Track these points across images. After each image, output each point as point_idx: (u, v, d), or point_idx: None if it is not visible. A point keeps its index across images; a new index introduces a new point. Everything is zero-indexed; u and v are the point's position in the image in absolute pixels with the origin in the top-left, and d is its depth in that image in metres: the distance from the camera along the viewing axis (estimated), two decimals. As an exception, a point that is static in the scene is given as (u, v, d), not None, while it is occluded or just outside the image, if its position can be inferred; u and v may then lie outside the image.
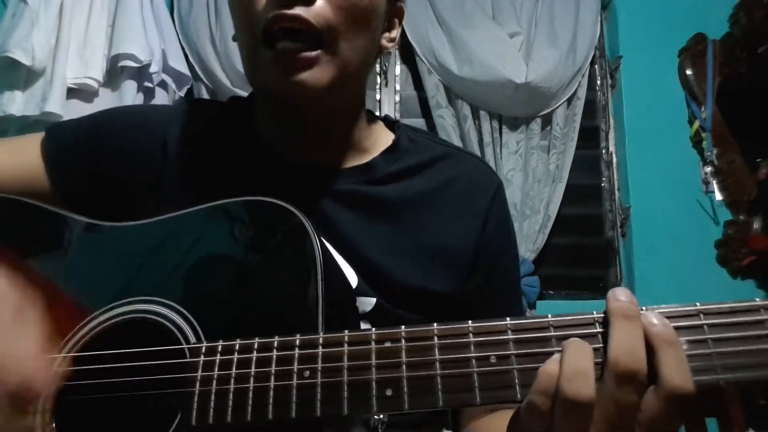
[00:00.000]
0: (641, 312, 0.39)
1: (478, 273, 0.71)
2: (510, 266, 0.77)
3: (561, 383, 0.37)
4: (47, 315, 0.55)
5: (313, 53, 0.58)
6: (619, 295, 0.39)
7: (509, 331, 0.41)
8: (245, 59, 0.64)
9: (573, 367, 0.37)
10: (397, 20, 0.72)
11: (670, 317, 0.39)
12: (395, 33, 0.72)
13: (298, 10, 0.57)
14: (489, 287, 0.72)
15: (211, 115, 0.75)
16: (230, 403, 0.44)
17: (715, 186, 2.30)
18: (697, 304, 0.39)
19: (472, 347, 0.41)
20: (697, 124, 2.30)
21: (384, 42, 0.70)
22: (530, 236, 2.24)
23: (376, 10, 0.64)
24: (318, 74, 0.59)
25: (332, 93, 0.62)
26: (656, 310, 0.40)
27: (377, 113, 0.79)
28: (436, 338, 0.42)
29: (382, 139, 0.75)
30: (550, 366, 0.38)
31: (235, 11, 0.63)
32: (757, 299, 0.38)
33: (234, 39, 0.66)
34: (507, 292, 0.76)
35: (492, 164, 2.26)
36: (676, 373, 0.36)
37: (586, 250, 2.43)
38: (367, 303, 0.64)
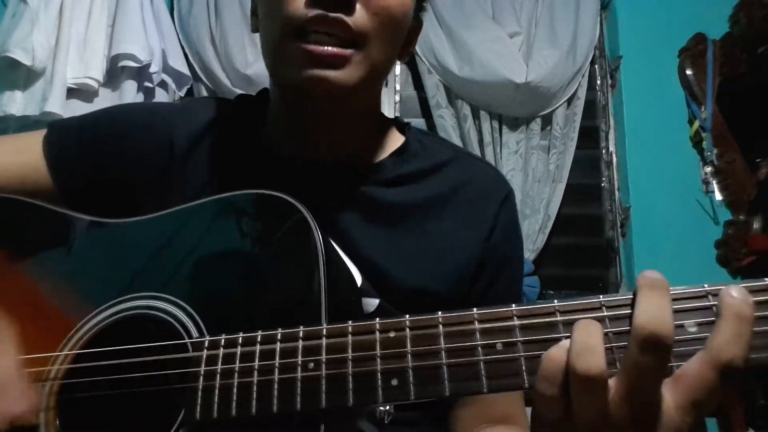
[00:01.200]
0: (725, 286, 0.37)
1: (483, 278, 0.71)
2: (515, 273, 0.76)
3: (571, 359, 0.36)
4: (49, 314, 0.55)
5: (347, 51, 0.58)
6: (648, 273, 0.38)
7: (515, 318, 0.40)
8: (270, 51, 0.63)
9: (582, 343, 0.36)
10: (415, 36, 0.72)
11: (678, 298, 0.38)
12: (412, 47, 0.73)
13: (339, 14, 0.57)
14: (492, 293, 0.71)
15: (218, 113, 0.75)
16: (234, 397, 0.44)
17: (715, 186, 2.30)
18: (705, 285, 0.38)
19: (477, 335, 0.41)
20: (697, 124, 2.30)
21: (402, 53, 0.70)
22: (530, 236, 2.24)
23: (408, 21, 0.65)
24: (348, 73, 0.59)
25: (356, 94, 0.62)
26: None
27: (393, 118, 0.79)
28: (441, 326, 0.42)
29: (391, 141, 0.74)
30: (554, 352, 0.38)
31: (268, 3, 0.61)
32: (767, 279, 0.37)
33: (254, 30, 0.66)
34: (510, 297, 0.75)
35: (492, 164, 2.26)
36: (732, 346, 0.35)
37: (586, 250, 2.43)
38: (370, 304, 0.64)
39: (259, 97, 0.75)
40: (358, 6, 0.58)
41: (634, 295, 0.38)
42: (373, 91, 0.69)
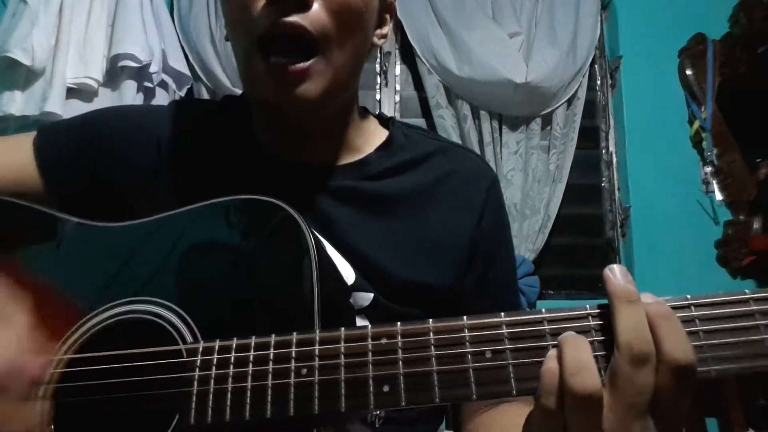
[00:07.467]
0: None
1: (476, 267, 0.71)
2: (507, 260, 0.77)
3: (566, 379, 0.37)
4: (42, 317, 0.54)
5: (306, 63, 0.58)
6: (617, 273, 0.40)
7: (504, 326, 0.41)
8: (240, 63, 0.63)
9: (574, 362, 0.37)
10: (388, 16, 0.72)
11: None
12: (386, 29, 0.71)
13: (295, 17, 0.57)
14: (487, 281, 0.72)
15: (205, 114, 0.75)
16: (228, 402, 0.44)
17: (715, 186, 2.31)
18: (688, 296, 0.40)
19: (467, 343, 0.41)
20: (697, 124, 2.30)
21: (375, 39, 0.69)
22: (530, 236, 2.24)
23: (370, 11, 0.64)
24: (312, 86, 0.59)
25: (328, 101, 0.62)
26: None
27: (377, 113, 0.80)
28: (431, 334, 0.42)
29: (376, 135, 0.75)
30: (552, 364, 0.38)
31: (230, 14, 0.62)
32: (747, 291, 0.39)
33: (227, 39, 0.66)
34: (505, 285, 0.76)
35: (492, 164, 2.26)
36: (677, 345, 0.37)
37: (586, 250, 2.43)
38: (364, 298, 0.64)
39: (244, 96, 0.75)
40: (315, 5, 0.58)
41: (611, 305, 0.39)
42: (348, 91, 0.68)
